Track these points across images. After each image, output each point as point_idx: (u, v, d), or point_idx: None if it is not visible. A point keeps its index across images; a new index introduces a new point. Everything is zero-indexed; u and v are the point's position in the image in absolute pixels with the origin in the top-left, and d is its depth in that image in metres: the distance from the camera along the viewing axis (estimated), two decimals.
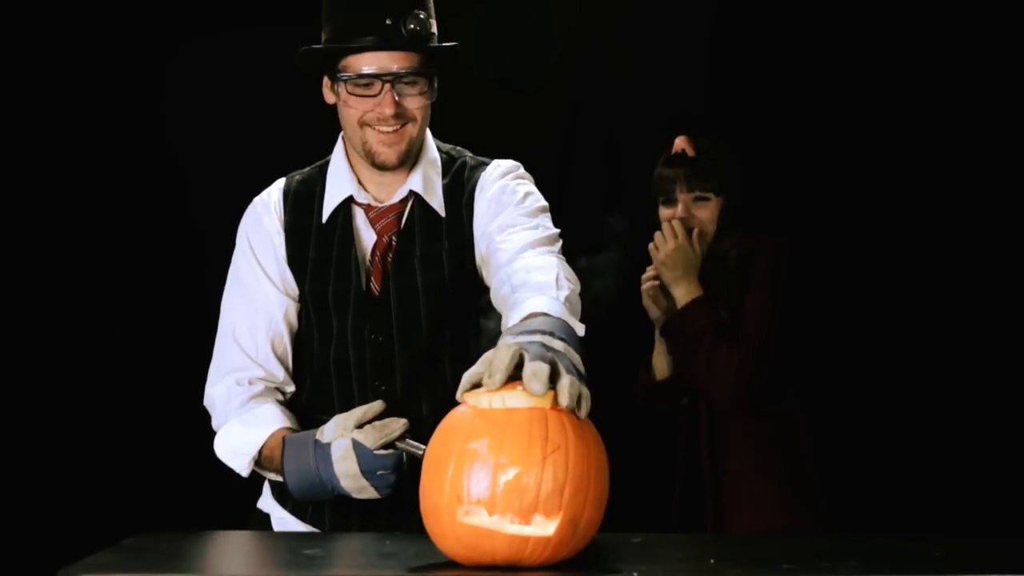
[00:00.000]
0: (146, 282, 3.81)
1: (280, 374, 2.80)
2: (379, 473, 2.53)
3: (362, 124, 2.70)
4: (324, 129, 2.86)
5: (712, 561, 2.19)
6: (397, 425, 2.54)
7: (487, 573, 2.08)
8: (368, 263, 2.75)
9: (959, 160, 3.85)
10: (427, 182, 2.76)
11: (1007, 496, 3.75)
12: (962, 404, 3.84)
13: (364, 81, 2.67)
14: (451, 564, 2.13)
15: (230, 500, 3.00)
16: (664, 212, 3.42)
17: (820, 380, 3.40)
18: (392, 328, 2.74)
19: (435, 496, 2.09)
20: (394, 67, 2.66)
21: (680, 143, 3.38)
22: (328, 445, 2.56)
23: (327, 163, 2.83)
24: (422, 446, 2.49)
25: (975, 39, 3.81)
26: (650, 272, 3.44)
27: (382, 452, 2.53)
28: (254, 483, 2.93)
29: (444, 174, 2.79)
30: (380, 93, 2.66)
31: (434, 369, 2.76)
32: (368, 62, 2.66)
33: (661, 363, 3.51)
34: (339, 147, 2.82)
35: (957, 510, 3.70)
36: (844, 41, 3.85)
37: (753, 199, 3.40)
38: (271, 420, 2.73)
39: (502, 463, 2.06)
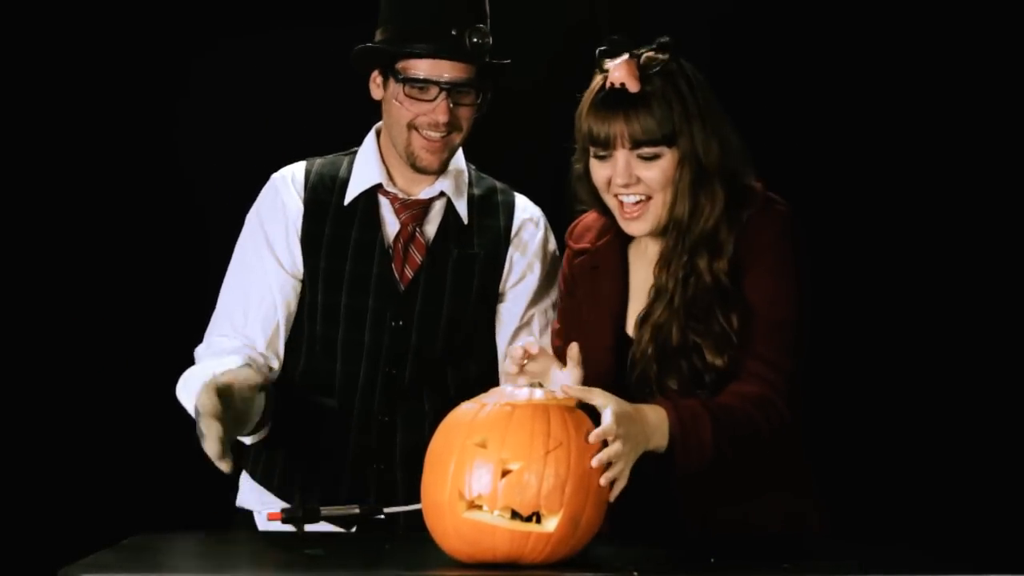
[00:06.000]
0: (149, 284, 3.80)
1: (262, 346, 2.79)
2: None
3: (411, 126, 2.77)
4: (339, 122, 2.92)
5: (712, 560, 2.19)
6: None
7: (488, 572, 2.09)
8: (390, 250, 2.80)
9: (950, 163, 3.82)
10: (457, 187, 2.84)
11: (1007, 498, 3.74)
12: (961, 405, 3.82)
13: (421, 85, 2.74)
14: (451, 564, 2.14)
15: (227, 498, 3.00)
16: (598, 170, 2.48)
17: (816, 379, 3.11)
18: (414, 318, 2.78)
19: (437, 492, 2.10)
20: (453, 76, 2.73)
21: (619, 73, 2.42)
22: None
23: (354, 152, 2.89)
24: (351, 507, 2.56)
25: (983, 33, 3.79)
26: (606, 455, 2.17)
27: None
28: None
29: (472, 185, 2.87)
30: (435, 99, 2.73)
31: (442, 367, 2.81)
32: (429, 68, 2.73)
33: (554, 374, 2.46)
34: (371, 139, 2.88)
35: (955, 512, 3.68)
36: (845, 33, 3.82)
37: (728, 146, 2.48)
38: (231, 361, 2.70)
39: (504, 459, 2.07)
